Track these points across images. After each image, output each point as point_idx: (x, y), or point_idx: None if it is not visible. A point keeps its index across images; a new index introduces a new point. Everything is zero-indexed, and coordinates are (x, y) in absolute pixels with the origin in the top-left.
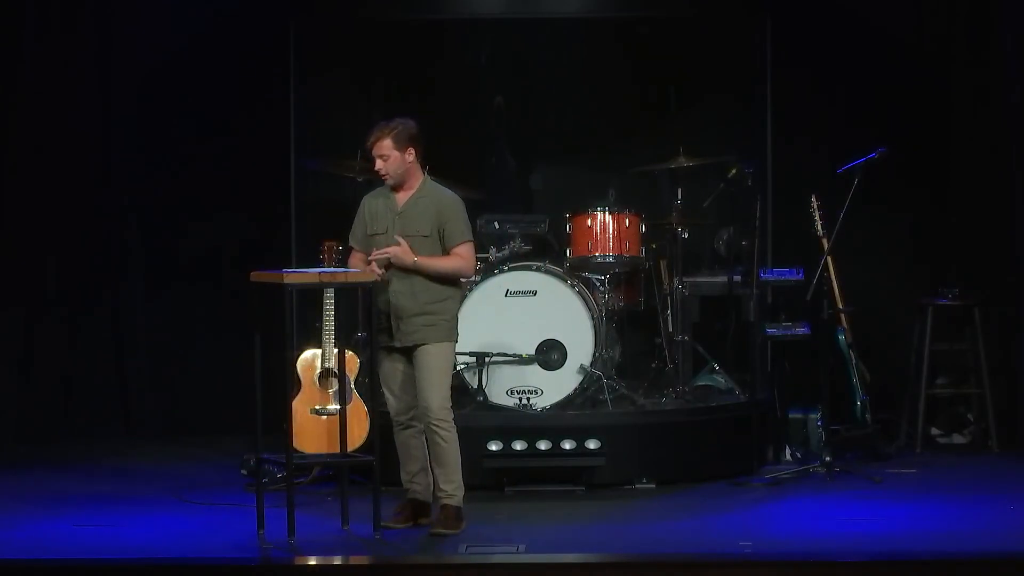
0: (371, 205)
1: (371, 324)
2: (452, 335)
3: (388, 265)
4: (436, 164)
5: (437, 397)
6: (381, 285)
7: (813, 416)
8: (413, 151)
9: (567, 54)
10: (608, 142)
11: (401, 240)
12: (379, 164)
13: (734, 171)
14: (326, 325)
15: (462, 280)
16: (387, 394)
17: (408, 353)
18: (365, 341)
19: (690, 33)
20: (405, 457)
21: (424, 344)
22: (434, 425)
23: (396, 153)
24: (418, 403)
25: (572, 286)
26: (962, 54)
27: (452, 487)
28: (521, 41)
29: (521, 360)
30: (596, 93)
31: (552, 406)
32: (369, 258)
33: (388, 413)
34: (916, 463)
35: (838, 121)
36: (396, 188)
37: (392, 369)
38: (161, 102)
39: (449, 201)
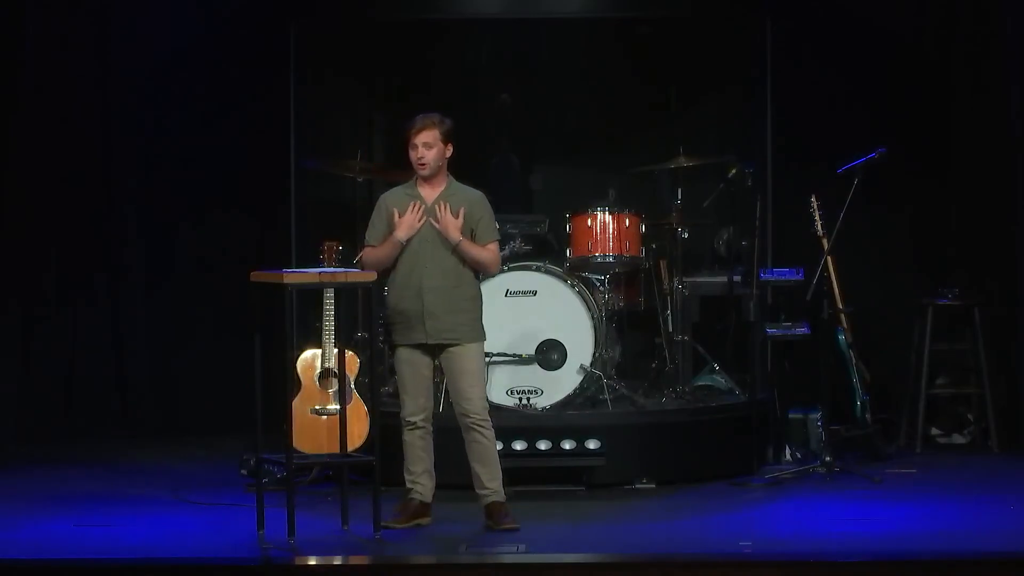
0: (395, 202)
1: (371, 324)
2: (483, 334)
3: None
4: None
5: (478, 398)
6: (405, 281)
7: (813, 416)
8: (452, 148)
9: (567, 54)
10: (608, 142)
11: (450, 218)
12: (421, 152)
13: (734, 171)
14: (326, 325)
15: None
16: (402, 394)
17: (434, 352)
18: (366, 341)
19: (690, 33)
20: (410, 457)
21: (457, 344)
22: (477, 426)
23: (441, 145)
24: (456, 404)
25: (572, 286)
26: (962, 54)
27: (496, 484)
28: (521, 41)
29: (521, 360)
30: (596, 93)
31: (552, 406)
32: (416, 219)
33: (393, 412)
34: (916, 463)
35: (838, 121)
36: (425, 182)
37: (413, 369)
38: (160, 102)
39: (479, 200)
